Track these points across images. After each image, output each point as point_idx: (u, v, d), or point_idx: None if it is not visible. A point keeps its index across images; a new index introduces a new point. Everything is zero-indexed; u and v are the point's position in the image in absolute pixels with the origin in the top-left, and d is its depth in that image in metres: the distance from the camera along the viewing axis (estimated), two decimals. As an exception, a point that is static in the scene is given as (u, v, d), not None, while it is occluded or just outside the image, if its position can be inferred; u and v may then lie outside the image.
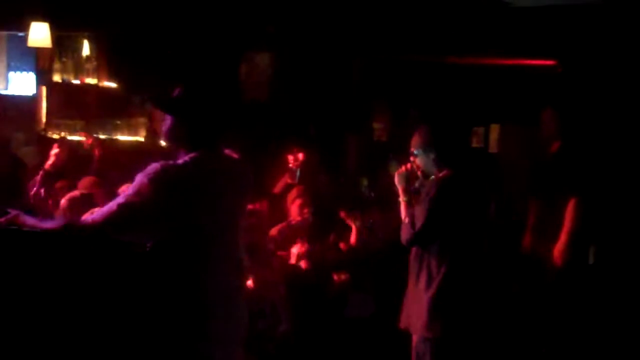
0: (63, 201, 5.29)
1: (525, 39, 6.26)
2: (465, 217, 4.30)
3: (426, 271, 4.31)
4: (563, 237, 5.55)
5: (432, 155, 4.34)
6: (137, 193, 3.28)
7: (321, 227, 6.10)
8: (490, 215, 4.77)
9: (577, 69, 6.32)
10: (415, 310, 4.34)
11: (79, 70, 8.11)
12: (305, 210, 6.11)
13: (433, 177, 4.40)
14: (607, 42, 6.12)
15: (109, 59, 8.11)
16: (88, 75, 8.10)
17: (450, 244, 4.28)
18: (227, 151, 3.60)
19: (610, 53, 6.13)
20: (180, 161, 3.37)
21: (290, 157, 6.41)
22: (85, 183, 6.08)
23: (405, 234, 4.34)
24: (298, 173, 6.36)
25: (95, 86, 8.12)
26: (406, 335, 4.41)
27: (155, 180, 3.28)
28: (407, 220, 4.33)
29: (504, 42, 6.35)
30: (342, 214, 6.10)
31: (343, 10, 6.53)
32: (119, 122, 7.99)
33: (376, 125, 7.04)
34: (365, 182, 6.50)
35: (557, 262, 5.56)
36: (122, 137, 7.99)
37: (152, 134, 7.78)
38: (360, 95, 7.25)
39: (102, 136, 7.87)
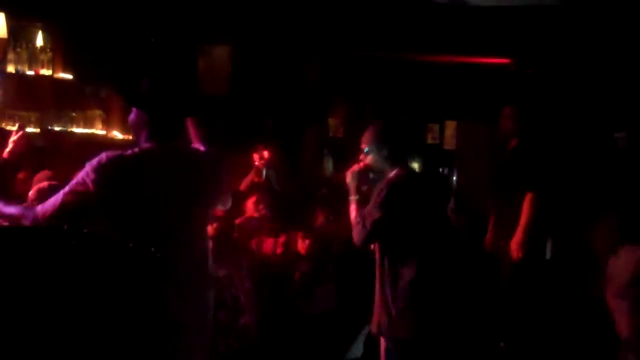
0: (31, 193, 5.18)
1: (481, 37, 6.29)
2: (422, 216, 4.17)
3: (390, 273, 4.19)
4: (519, 232, 5.56)
5: (383, 153, 4.21)
6: (82, 182, 3.34)
7: (282, 222, 6.02)
8: (449, 211, 4.80)
9: (532, 68, 6.39)
10: (383, 312, 4.22)
11: (33, 61, 7.80)
12: (261, 207, 6.03)
13: (385, 175, 4.24)
14: (563, 42, 6.18)
15: (64, 50, 7.92)
16: (43, 67, 7.79)
17: (411, 244, 4.16)
18: (194, 144, 3.61)
19: (566, 53, 6.19)
20: (129, 151, 3.40)
21: (256, 155, 6.34)
22: (40, 177, 5.89)
23: (356, 235, 4.21)
24: (264, 171, 6.29)
25: (50, 77, 7.82)
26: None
27: (97, 169, 3.33)
28: (357, 220, 4.19)
29: (460, 40, 6.39)
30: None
31: (301, 4, 6.51)
32: (74, 114, 7.79)
33: (332, 121, 7.00)
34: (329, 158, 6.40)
35: (513, 256, 5.54)
36: (78, 130, 7.80)
37: (108, 126, 7.66)
38: (317, 91, 7.16)
39: (57, 128, 7.74)
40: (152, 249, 2.80)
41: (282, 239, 5.97)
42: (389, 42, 6.62)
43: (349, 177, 4.31)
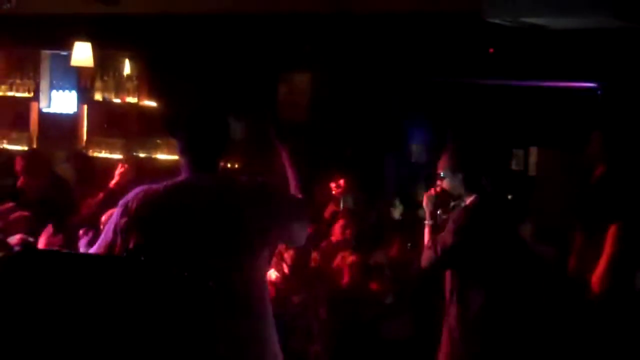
0: (104, 217, 5.00)
1: (564, 61, 6.19)
2: (497, 245, 4.04)
3: (458, 303, 4.06)
4: (602, 264, 5.26)
5: (459, 177, 4.10)
6: (112, 218, 3.23)
7: (363, 248, 5.91)
8: (527, 238, 4.71)
9: (619, 93, 6.26)
10: (447, 343, 4.08)
11: (119, 89, 8.20)
12: (348, 232, 5.95)
13: (463, 202, 4.16)
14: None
15: (149, 79, 8.12)
16: (128, 94, 8.17)
17: (483, 275, 4.04)
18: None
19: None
20: (162, 184, 3.18)
21: (333, 184, 6.36)
22: None
23: (425, 259, 4.14)
24: (342, 201, 6.29)
25: (136, 105, 8.16)
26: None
27: (123, 204, 3.16)
28: (429, 244, 4.12)
29: (543, 64, 6.30)
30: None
31: (380, 32, 6.45)
32: (159, 140, 7.99)
33: (415, 147, 6.90)
34: (397, 203, 6.44)
35: (595, 290, 5.25)
36: (162, 156, 7.98)
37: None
38: (398, 117, 7.14)
39: (142, 154, 7.99)
40: (209, 282, 2.59)
41: (358, 263, 5.77)
42: (470, 68, 6.57)
43: (425, 202, 4.24)
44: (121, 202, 3.21)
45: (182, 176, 3.20)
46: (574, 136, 6.00)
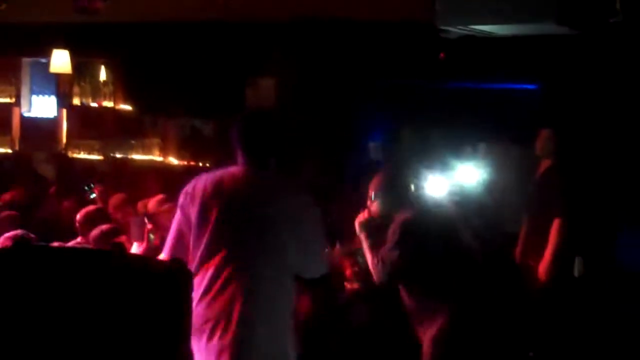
0: (78, 216, 5.18)
1: (508, 65, 6.32)
2: (440, 248, 4.01)
3: (420, 310, 4.03)
4: (547, 255, 5.48)
5: (392, 196, 4.08)
6: (175, 218, 3.38)
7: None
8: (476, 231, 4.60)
9: (560, 93, 6.31)
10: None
11: (96, 94, 8.24)
12: None
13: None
14: (586, 68, 6.14)
15: (124, 84, 8.14)
16: (105, 99, 8.22)
17: (437, 279, 4.01)
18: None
19: (590, 78, 6.23)
20: (220, 170, 3.40)
21: None
22: (115, 201, 6.03)
23: (377, 274, 4.06)
24: None
25: (112, 109, 8.22)
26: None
27: (184, 193, 3.35)
28: (375, 261, 4.04)
29: (488, 68, 6.45)
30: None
31: (340, 39, 6.55)
32: (133, 142, 8.07)
33: (372, 145, 6.83)
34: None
35: (541, 277, 5.50)
36: (137, 156, 8.04)
37: (165, 153, 7.86)
38: (356, 118, 7.12)
39: (118, 155, 8.02)
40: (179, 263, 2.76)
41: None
42: (423, 72, 6.63)
43: (358, 228, 4.18)
44: (181, 195, 3.35)
45: (237, 168, 3.36)
46: (518, 133, 6.13)
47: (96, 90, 8.25)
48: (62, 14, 6.15)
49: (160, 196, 5.66)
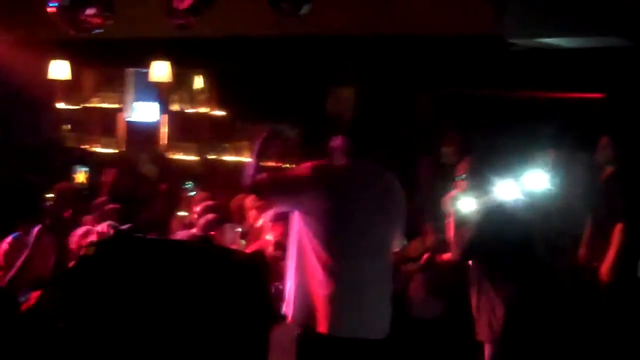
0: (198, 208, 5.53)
1: (575, 75, 6.32)
2: (511, 239, 4.30)
3: (490, 285, 4.33)
4: (609, 257, 5.45)
5: (476, 181, 4.39)
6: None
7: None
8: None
9: (623, 103, 6.27)
10: (487, 318, 4.39)
11: (193, 101, 8.43)
12: None
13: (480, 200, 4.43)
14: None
15: (218, 92, 8.30)
16: (201, 105, 8.36)
17: (504, 260, 4.33)
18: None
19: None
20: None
21: None
22: (200, 197, 6.35)
23: (453, 251, 4.46)
24: None
25: (207, 114, 8.34)
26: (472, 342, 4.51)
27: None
28: (454, 239, 4.42)
29: (556, 78, 6.42)
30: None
31: (414, 51, 6.55)
32: (226, 144, 8.19)
33: (445, 149, 6.54)
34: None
35: (604, 278, 5.49)
36: (228, 158, 8.15)
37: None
38: (432, 125, 7.20)
39: (211, 156, 8.17)
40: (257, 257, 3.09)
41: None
42: (492, 82, 6.66)
43: (445, 203, 4.54)
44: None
45: (343, 161, 3.70)
46: (585, 140, 6.08)
47: (193, 97, 8.40)
48: (163, 29, 6.22)
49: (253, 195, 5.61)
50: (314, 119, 6.82)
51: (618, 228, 5.42)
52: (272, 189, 3.62)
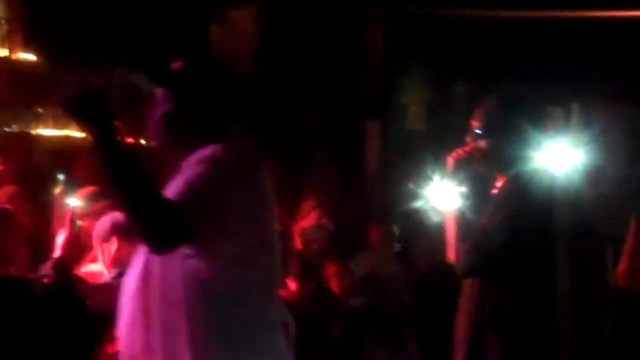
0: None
1: None
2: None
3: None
4: (625, 256, 4.74)
5: (507, 138, 3.80)
6: None
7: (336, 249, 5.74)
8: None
9: None
10: None
11: None
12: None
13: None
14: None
15: (26, 22, 7.42)
16: None
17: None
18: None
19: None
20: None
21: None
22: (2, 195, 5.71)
23: (461, 258, 3.91)
24: None
25: (7, 59, 7.29)
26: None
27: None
28: (461, 237, 3.89)
29: None
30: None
31: None
32: (41, 110, 7.23)
33: (412, 108, 6.26)
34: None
35: (621, 282, 4.76)
36: (46, 131, 7.28)
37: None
38: (383, 65, 6.48)
39: (15, 129, 7.26)
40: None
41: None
42: None
43: (452, 166, 3.89)
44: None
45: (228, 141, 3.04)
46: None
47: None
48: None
49: (90, 189, 5.37)
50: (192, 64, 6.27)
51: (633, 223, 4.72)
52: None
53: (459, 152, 3.90)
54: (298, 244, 5.57)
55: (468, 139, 3.86)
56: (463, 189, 3.92)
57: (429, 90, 6.48)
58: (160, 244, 2.94)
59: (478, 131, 3.84)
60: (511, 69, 6.06)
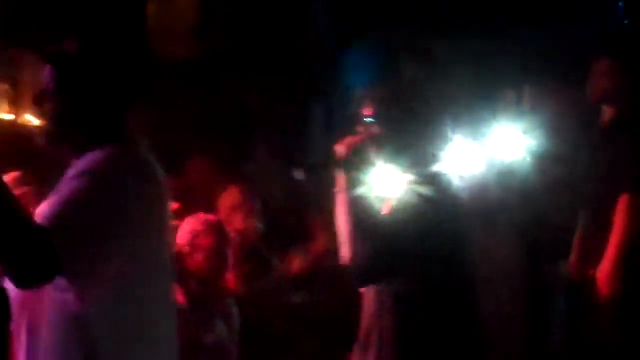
0: None
1: None
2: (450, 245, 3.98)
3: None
4: (610, 256, 4.90)
5: (402, 123, 3.87)
6: None
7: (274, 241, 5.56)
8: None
9: None
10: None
11: None
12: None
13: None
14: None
15: None
16: None
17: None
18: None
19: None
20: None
21: None
22: None
23: (355, 261, 4.01)
24: None
25: None
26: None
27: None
28: (353, 235, 3.99)
29: None
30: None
31: None
32: None
33: (356, 91, 5.57)
34: None
35: (603, 291, 4.92)
36: None
37: (17, 107, 6.64)
38: (327, 44, 6.33)
39: None
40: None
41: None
42: None
43: (344, 152, 3.82)
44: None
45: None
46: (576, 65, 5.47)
47: None
48: None
49: (14, 174, 4.65)
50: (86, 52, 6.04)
51: (623, 203, 4.86)
52: None
53: (350, 139, 3.89)
54: (234, 235, 5.41)
55: (359, 128, 3.89)
56: (362, 175, 3.86)
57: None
58: (22, 280, 2.52)
59: (370, 118, 3.87)
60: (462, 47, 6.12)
